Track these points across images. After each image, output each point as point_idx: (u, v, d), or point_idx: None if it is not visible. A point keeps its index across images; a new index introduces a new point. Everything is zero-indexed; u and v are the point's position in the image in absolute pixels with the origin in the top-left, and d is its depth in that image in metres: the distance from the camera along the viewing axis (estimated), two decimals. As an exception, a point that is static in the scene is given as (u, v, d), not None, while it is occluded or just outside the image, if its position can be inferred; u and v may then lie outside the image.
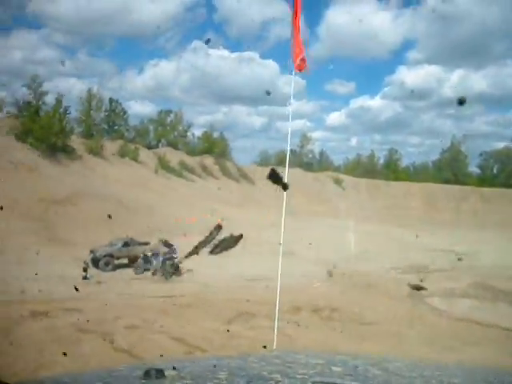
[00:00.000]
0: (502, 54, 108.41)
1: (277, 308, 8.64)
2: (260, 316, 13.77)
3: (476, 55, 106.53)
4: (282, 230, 9.08)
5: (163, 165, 55.83)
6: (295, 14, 8.85)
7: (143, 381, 2.27)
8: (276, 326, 8.64)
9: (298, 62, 8.79)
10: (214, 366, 2.57)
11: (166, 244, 22.47)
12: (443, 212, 56.16)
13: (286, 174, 9.51)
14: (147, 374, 2.30)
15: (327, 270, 22.97)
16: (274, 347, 8.45)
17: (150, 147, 64.75)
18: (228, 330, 12.33)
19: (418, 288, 21.07)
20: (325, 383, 2.27)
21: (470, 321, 16.35)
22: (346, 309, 15.62)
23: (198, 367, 2.60)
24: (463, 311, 19.01)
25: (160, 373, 2.27)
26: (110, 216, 23.16)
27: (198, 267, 22.82)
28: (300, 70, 8.98)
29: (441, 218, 53.30)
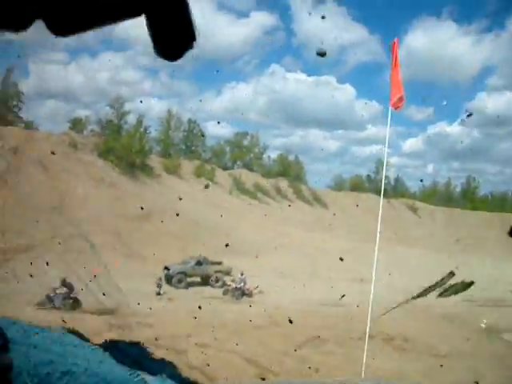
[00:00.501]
0: None
1: (367, 336, 8.55)
2: (331, 341, 13.69)
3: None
4: (376, 259, 9.14)
5: (238, 186, 56.43)
6: (394, 55, 9.07)
7: None
8: (365, 355, 8.54)
9: (395, 100, 9.00)
10: None
11: (65, 284, 20.91)
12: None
13: (381, 202, 9.59)
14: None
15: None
16: (363, 375, 8.36)
17: (225, 168, 65.72)
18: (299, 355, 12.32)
19: None
20: None
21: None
22: (419, 339, 15.27)
23: None
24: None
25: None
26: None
27: (269, 290, 22.93)
28: (396, 109, 9.25)
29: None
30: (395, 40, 9.25)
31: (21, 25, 0.55)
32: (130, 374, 1.11)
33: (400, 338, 15.01)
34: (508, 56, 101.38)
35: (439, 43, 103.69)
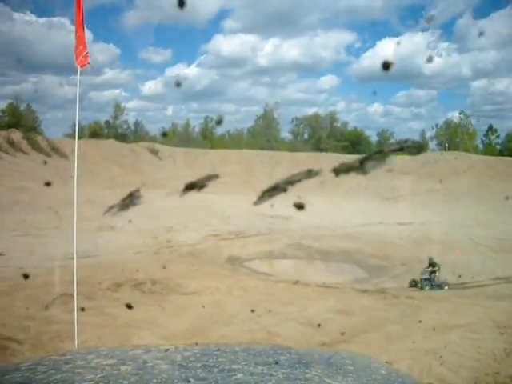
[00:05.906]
0: (313, 24, 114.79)
1: (75, 290, 8.33)
2: (79, 296, 13.29)
3: (289, 25, 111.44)
4: (75, 203, 8.87)
5: (-36, 140, 51.27)
6: (78, 9, 8.59)
7: None
8: (76, 309, 8.33)
9: (80, 58, 8.61)
10: None
11: None
12: (259, 177, 58.10)
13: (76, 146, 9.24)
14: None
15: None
16: (76, 340, 8.14)
17: None
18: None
19: None
20: None
21: (288, 281, 17.16)
22: (168, 280, 15.63)
23: None
24: (282, 272, 19.94)
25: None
26: None
27: (10, 250, 21.45)
28: (82, 67, 8.86)
29: (257, 183, 55.04)
30: None
31: None
32: None
33: (149, 282, 15.17)
34: (243, 0, 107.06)
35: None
